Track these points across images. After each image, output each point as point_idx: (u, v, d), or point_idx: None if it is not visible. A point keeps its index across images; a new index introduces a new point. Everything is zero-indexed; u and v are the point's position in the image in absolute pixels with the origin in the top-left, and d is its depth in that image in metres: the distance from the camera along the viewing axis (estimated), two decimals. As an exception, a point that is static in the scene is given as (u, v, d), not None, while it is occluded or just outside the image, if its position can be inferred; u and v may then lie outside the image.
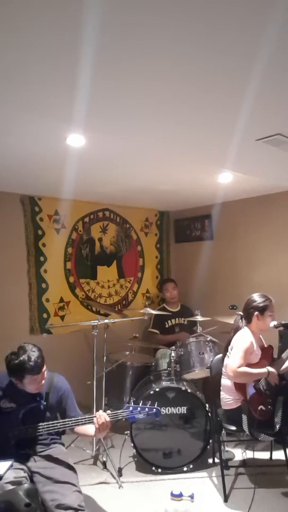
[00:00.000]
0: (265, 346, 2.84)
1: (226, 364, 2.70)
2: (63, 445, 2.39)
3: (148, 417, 2.26)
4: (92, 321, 3.30)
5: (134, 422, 2.92)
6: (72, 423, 2.18)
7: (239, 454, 3.18)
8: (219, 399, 2.80)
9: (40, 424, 2.14)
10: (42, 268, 3.83)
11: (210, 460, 3.10)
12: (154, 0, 1.16)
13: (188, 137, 2.32)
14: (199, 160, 2.86)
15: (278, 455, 2.99)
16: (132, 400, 3.05)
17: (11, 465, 1.97)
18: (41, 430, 2.14)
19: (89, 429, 2.21)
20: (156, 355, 3.78)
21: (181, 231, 4.91)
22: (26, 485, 1.87)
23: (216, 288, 4.44)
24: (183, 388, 3.04)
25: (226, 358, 2.74)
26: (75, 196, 3.91)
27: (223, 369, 2.79)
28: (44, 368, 2.19)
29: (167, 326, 4.30)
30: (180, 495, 2.67)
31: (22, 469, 2.02)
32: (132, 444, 3.01)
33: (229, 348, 2.74)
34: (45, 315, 3.83)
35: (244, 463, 3.07)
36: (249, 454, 3.07)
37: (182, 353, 3.36)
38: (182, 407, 3.05)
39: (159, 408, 2.26)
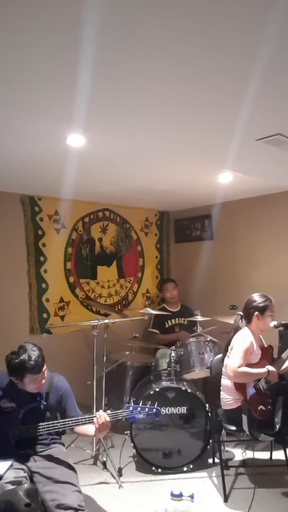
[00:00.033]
0: (265, 346, 2.84)
1: (226, 364, 2.70)
2: (63, 445, 2.39)
3: (148, 417, 2.26)
4: (92, 321, 3.30)
5: (134, 422, 2.92)
6: (72, 423, 2.18)
7: (239, 454, 3.18)
8: (219, 399, 2.80)
9: (40, 424, 2.14)
10: (42, 268, 3.83)
11: (210, 460, 3.10)
12: (154, 0, 1.16)
13: (188, 137, 2.32)
14: (199, 160, 2.86)
15: (278, 455, 2.99)
16: (132, 400, 3.05)
17: (11, 465, 1.97)
18: (41, 430, 2.14)
19: (89, 429, 2.21)
20: (156, 355, 3.78)
21: (181, 231, 4.91)
22: (26, 485, 1.87)
23: (216, 288, 4.44)
24: (183, 388, 3.04)
25: (226, 358, 2.74)
26: (75, 196, 3.91)
27: (223, 369, 2.79)
28: (45, 367, 2.19)
29: (167, 326, 4.30)
30: (180, 495, 2.67)
31: (22, 469, 2.02)
32: (132, 444, 3.01)
33: (229, 348, 2.74)
34: (45, 315, 3.83)
35: (244, 463, 3.07)
36: (249, 454, 3.07)
37: (182, 353, 3.36)
38: (182, 407, 3.05)
39: (159, 408, 2.26)
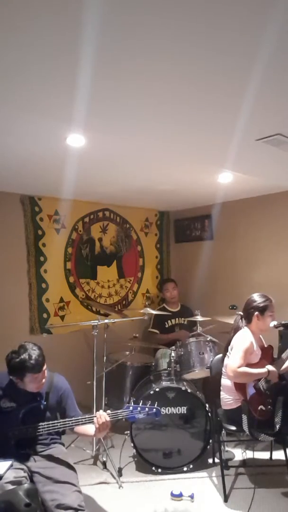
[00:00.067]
0: (265, 346, 2.84)
1: (226, 364, 2.70)
2: (63, 445, 2.39)
3: (148, 417, 2.26)
4: (92, 321, 3.30)
5: (134, 422, 2.92)
6: (72, 423, 2.18)
7: (239, 454, 3.18)
8: (219, 399, 2.80)
9: (40, 424, 2.14)
10: (42, 268, 3.83)
11: (210, 460, 3.09)
12: (154, 0, 1.16)
13: (188, 137, 2.32)
14: (199, 160, 2.86)
15: (278, 455, 2.99)
16: (132, 400, 3.05)
17: (11, 465, 1.97)
18: (41, 430, 2.14)
19: (89, 429, 2.21)
20: (156, 355, 3.78)
21: (181, 231, 4.91)
22: (26, 485, 1.87)
23: (216, 288, 4.44)
24: (183, 388, 3.04)
25: (226, 358, 2.74)
26: (75, 196, 3.91)
27: (223, 369, 2.79)
28: (45, 367, 2.20)
29: (167, 326, 4.30)
30: (180, 495, 2.67)
31: (22, 469, 2.02)
32: (132, 444, 3.01)
33: (229, 348, 2.74)
34: (45, 315, 3.83)
35: (244, 463, 3.07)
36: (249, 454, 3.07)
37: (182, 353, 3.36)
38: (182, 407, 3.05)
39: (159, 408, 2.26)
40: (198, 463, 3.02)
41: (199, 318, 3.62)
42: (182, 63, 1.50)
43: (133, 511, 2.57)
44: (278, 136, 2.25)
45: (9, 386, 2.20)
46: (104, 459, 3.10)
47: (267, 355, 2.76)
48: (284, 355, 2.64)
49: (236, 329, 2.79)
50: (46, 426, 2.14)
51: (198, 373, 3.32)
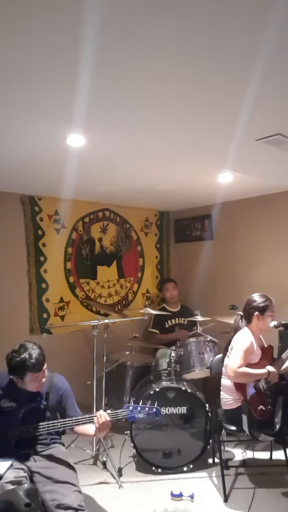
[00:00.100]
0: (265, 346, 2.84)
1: (226, 364, 2.70)
2: (63, 445, 2.39)
3: (148, 416, 2.26)
4: (92, 321, 3.31)
5: (134, 421, 2.92)
6: (72, 422, 2.18)
7: (239, 454, 3.18)
8: (219, 399, 2.80)
9: (40, 423, 2.14)
10: (42, 268, 3.83)
11: (210, 460, 3.10)
12: (154, 0, 1.16)
13: (188, 137, 2.32)
14: (199, 160, 2.86)
15: (278, 455, 2.99)
16: (132, 400, 3.05)
17: (11, 465, 1.97)
18: (41, 429, 2.14)
19: (89, 428, 2.21)
20: (156, 355, 3.78)
21: (181, 231, 4.91)
22: (26, 485, 1.87)
23: (216, 288, 4.44)
24: (183, 388, 3.04)
25: (226, 358, 2.74)
26: (75, 196, 3.91)
27: (223, 369, 2.79)
28: (45, 366, 2.20)
29: (167, 326, 4.30)
30: (180, 495, 2.67)
31: (22, 468, 2.02)
32: (132, 444, 3.01)
33: (229, 348, 2.74)
34: (45, 315, 3.83)
35: (244, 463, 3.07)
36: (249, 454, 3.07)
37: (182, 353, 3.37)
38: (182, 407, 3.05)
39: (159, 407, 2.26)
40: (198, 463, 3.02)
41: (199, 318, 3.62)
42: (182, 63, 1.50)
43: (133, 511, 2.57)
44: (278, 136, 2.25)
45: (9, 386, 2.20)
46: (104, 459, 3.10)
47: (267, 355, 2.76)
48: (284, 355, 2.64)
49: (236, 329, 2.79)
50: (46, 426, 2.14)
51: (198, 373, 3.32)
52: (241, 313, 2.83)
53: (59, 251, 3.98)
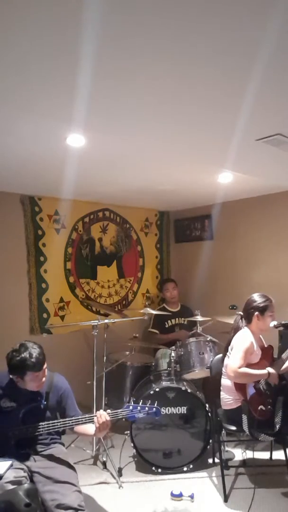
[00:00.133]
0: (265, 346, 2.84)
1: (226, 364, 2.70)
2: (63, 445, 2.39)
3: (148, 416, 2.26)
4: (92, 321, 3.30)
5: (134, 421, 2.92)
6: (72, 422, 2.18)
7: (239, 454, 3.18)
8: (219, 399, 2.80)
9: (40, 423, 2.14)
10: (42, 268, 3.83)
11: (210, 460, 3.09)
12: (154, 0, 1.16)
13: (188, 137, 2.32)
14: (199, 160, 2.86)
15: (278, 455, 2.99)
16: (132, 400, 3.05)
17: (11, 465, 1.97)
18: (41, 429, 2.14)
19: (89, 428, 2.21)
20: (156, 355, 3.78)
21: (181, 231, 4.91)
22: (26, 485, 1.87)
23: (216, 288, 4.44)
24: (183, 388, 3.04)
25: (226, 358, 2.74)
26: (75, 196, 3.91)
27: (223, 369, 2.79)
28: (45, 365, 2.20)
29: (167, 326, 4.30)
30: (180, 495, 2.67)
31: (22, 468, 2.02)
32: (132, 444, 3.01)
33: (229, 348, 2.74)
34: (45, 315, 3.83)
35: (244, 463, 3.07)
36: (249, 454, 3.07)
37: (182, 353, 3.36)
38: (182, 407, 3.05)
39: (159, 407, 2.26)
40: (198, 463, 3.02)
41: (199, 318, 3.62)
42: (182, 63, 1.50)
43: (133, 511, 2.57)
44: (278, 136, 2.25)
45: (9, 386, 2.20)
46: (104, 459, 3.10)
47: (267, 355, 2.76)
48: (284, 355, 2.64)
49: (236, 329, 2.79)
50: (46, 425, 2.14)
51: (198, 373, 3.32)
52: (241, 313, 2.83)
53: (59, 251, 3.98)
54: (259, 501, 2.57)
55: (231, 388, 2.67)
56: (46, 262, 3.86)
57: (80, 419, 2.18)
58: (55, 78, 1.58)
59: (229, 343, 2.77)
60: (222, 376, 2.80)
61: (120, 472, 2.95)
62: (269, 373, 2.58)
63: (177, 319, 4.34)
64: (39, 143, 2.37)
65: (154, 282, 4.85)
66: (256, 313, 2.71)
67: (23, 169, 2.93)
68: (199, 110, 1.92)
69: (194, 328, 3.72)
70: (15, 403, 2.18)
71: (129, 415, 2.21)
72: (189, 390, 3.04)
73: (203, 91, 1.72)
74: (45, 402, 2.24)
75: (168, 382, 3.16)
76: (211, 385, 3.00)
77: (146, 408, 2.22)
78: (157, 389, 3.03)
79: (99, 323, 3.28)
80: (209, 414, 3.02)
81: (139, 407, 2.21)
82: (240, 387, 2.61)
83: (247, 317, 2.77)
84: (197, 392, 3.15)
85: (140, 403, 2.26)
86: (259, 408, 2.52)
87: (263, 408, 2.54)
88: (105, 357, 3.46)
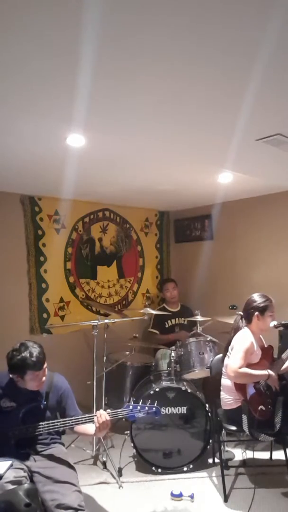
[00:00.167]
0: (265, 346, 2.84)
1: (226, 364, 2.70)
2: (63, 445, 2.39)
3: (148, 415, 2.26)
4: (92, 321, 3.30)
5: (134, 421, 2.92)
6: (72, 422, 2.18)
7: (239, 454, 3.18)
8: (219, 399, 2.80)
9: (40, 423, 2.14)
10: (42, 268, 3.83)
11: (210, 460, 3.09)
12: (154, 0, 1.16)
13: (188, 137, 2.32)
14: (199, 160, 2.86)
15: (278, 455, 2.99)
16: (132, 400, 3.05)
17: (11, 465, 1.97)
18: (41, 429, 2.14)
19: (89, 428, 2.21)
20: (156, 355, 3.78)
21: (181, 231, 4.91)
22: (26, 485, 1.87)
23: (216, 288, 4.44)
24: (183, 388, 3.04)
25: (226, 358, 2.74)
26: (75, 196, 3.91)
27: (223, 369, 2.79)
28: (45, 365, 2.20)
29: (167, 326, 4.30)
30: (180, 495, 2.67)
31: (22, 468, 2.02)
32: (132, 444, 3.01)
33: (229, 348, 2.74)
34: (45, 315, 3.83)
35: (244, 463, 3.07)
36: (249, 454, 3.07)
37: (182, 353, 3.36)
38: (182, 407, 3.05)
39: (159, 407, 2.26)
40: (198, 463, 3.02)
41: (199, 318, 3.62)
42: (182, 63, 1.50)
43: (133, 511, 2.57)
44: (278, 136, 2.25)
45: (9, 386, 2.20)
46: (104, 459, 3.10)
47: (267, 355, 2.76)
48: (284, 355, 2.64)
49: (236, 329, 2.79)
50: (46, 425, 2.14)
51: (198, 373, 3.32)
52: (241, 313, 2.83)
53: (59, 251, 3.98)
54: (259, 501, 2.57)
55: (231, 388, 2.67)
56: (46, 262, 3.86)
57: (80, 419, 2.18)
58: (55, 78, 1.58)
59: (229, 343, 2.77)
60: (222, 376, 2.80)
61: (120, 472, 2.95)
62: (269, 375, 2.58)
63: (177, 319, 4.34)
64: (39, 143, 2.37)
65: (154, 282, 4.85)
66: (256, 313, 2.71)
67: (23, 169, 2.94)
68: (199, 110, 1.92)
69: (194, 328, 3.72)
70: (15, 403, 2.18)
71: (129, 415, 2.21)
72: (189, 390, 3.04)
73: (203, 91, 1.72)
74: (45, 402, 2.24)
75: (168, 382, 3.16)
76: (211, 385, 3.00)
77: (146, 408, 2.22)
78: (157, 389, 3.03)
79: (99, 323, 3.28)
80: (209, 414, 3.02)
81: (139, 407, 2.21)
82: (240, 387, 2.61)
83: (247, 317, 2.77)
84: (197, 392, 3.15)
85: (140, 403, 2.26)
86: (259, 408, 2.52)
87: (263, 408, 2.54)
88: (105, 357, 3.46)
